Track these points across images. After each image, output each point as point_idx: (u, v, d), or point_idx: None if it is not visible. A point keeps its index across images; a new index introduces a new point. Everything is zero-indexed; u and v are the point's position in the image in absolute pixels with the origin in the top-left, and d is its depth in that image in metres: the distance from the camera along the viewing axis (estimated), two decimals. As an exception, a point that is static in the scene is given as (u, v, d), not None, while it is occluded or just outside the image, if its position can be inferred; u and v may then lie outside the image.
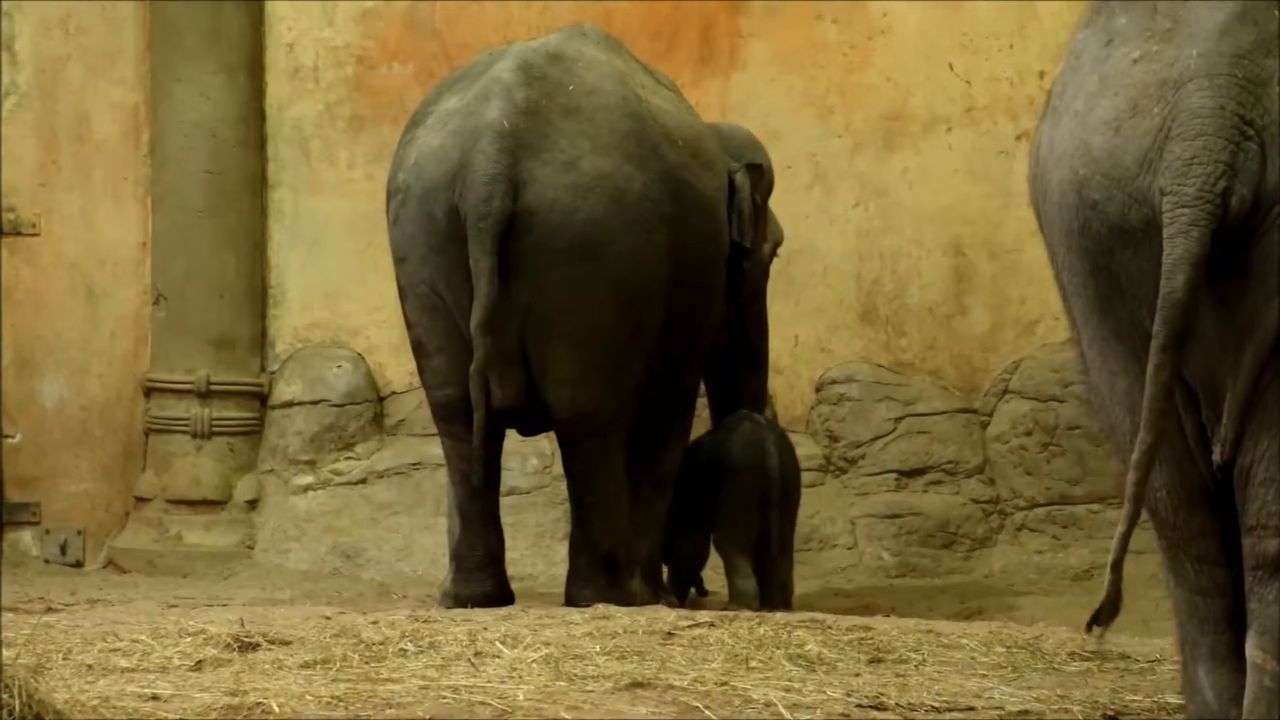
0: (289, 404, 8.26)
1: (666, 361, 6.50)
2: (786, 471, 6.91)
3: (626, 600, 6.15)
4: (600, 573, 6.32)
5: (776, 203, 7.25)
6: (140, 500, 8.26)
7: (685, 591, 7.00)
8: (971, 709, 4.21)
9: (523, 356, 6.10)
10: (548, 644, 4.89)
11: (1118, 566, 3.44)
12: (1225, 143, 3.28)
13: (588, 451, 6.32)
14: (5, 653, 3.90)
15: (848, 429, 8.04)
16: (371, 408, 8.27)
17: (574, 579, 6.40)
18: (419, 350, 6.32)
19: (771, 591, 6.81)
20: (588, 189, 6.05)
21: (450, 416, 6.24)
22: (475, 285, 5.90)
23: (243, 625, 5.13)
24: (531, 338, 6.09)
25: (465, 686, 4.27)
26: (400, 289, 6.33)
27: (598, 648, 4.87)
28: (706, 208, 6.54)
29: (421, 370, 6.38)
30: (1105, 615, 3.48)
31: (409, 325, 6.34)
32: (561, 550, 7.02)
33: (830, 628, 5.34)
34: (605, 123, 6.16)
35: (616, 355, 6.22)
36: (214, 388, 8.19)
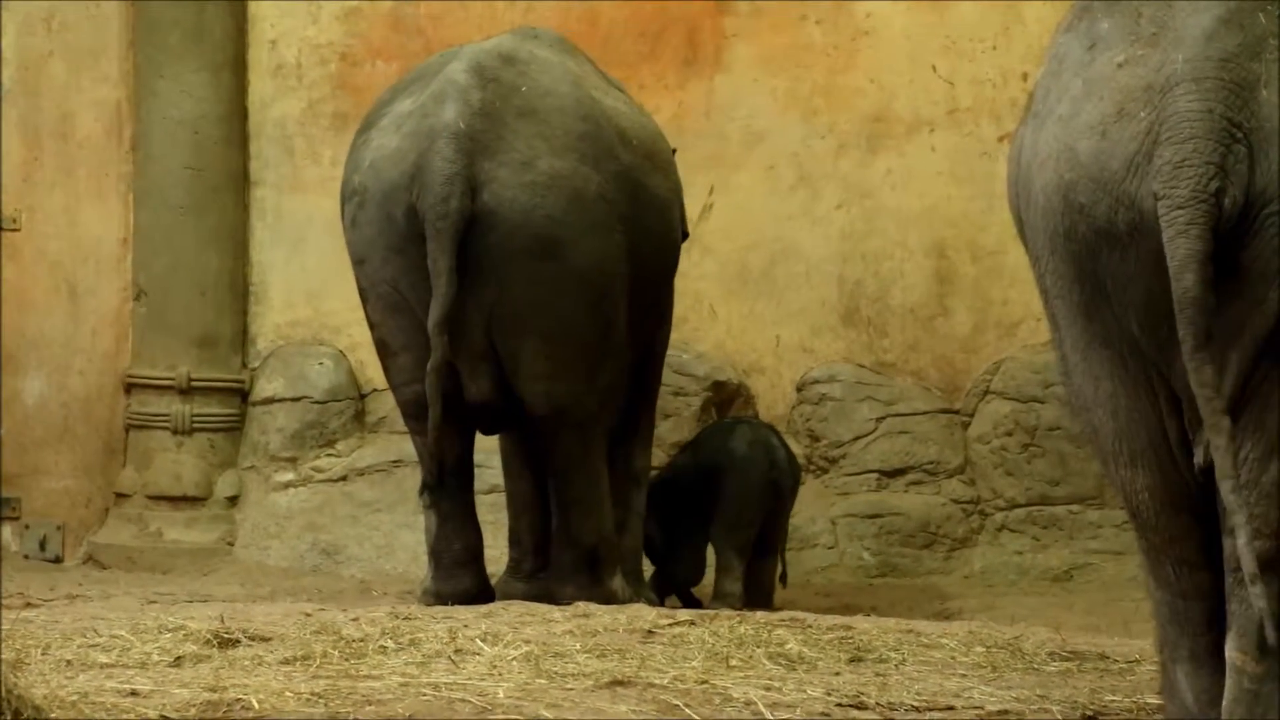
0: (270, 401, 8.26)
1: (632, 358, 6.55)
2: (793, 465, 6.99)
3: (607, 598, 6.16)
4: (582, 570, 6.34)
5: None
6: (120, 496, 8.25)
7: (668, 593, 7.02)
8: (951, 708, 4.21)
9: (492, 353, 6.14)
10: (528, 642, 4.89)
11: (1256, 580, 3.32)
12: (1215, 145, 3.28)
13: (566, 447, 6.33)
14: (-15, 648, 3.90)
15: (829, 429, 8.05)
16: (353, 405, 8.27)
17: (555, 576, 6.41)
18: (384, 350, 6.35)
19: (765, 589, 6.85)
20: (545, 188, 6.09)
21: (420, 414, 6.24)
22: (434, 285, 5.94)
23: (223, 621, 5.13)
24: (499, 335, 6.13)
25: (445, 684, 4.26)
26: (361, 290, 6.36)
27: (578, 646, 4.87)
28: (661, 208, 6.60)
29: (387, 370, 6.40)
30: (1274, 629, 3.38)
31: (372, 326, 6.37)
32: (541, 549, 7.01)
33: (811, 627, 5.34)
34: (560, 124, 6.20)
35: (588, 351, 6.26)
36: (195, 384, 8.19)
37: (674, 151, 6.98)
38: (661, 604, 6.81)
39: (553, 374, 6.19)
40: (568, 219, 6.11)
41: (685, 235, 6.98)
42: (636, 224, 6.36)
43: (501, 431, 6.69)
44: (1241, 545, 3.30)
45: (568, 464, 6.36)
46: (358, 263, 6.31)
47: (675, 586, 7.03)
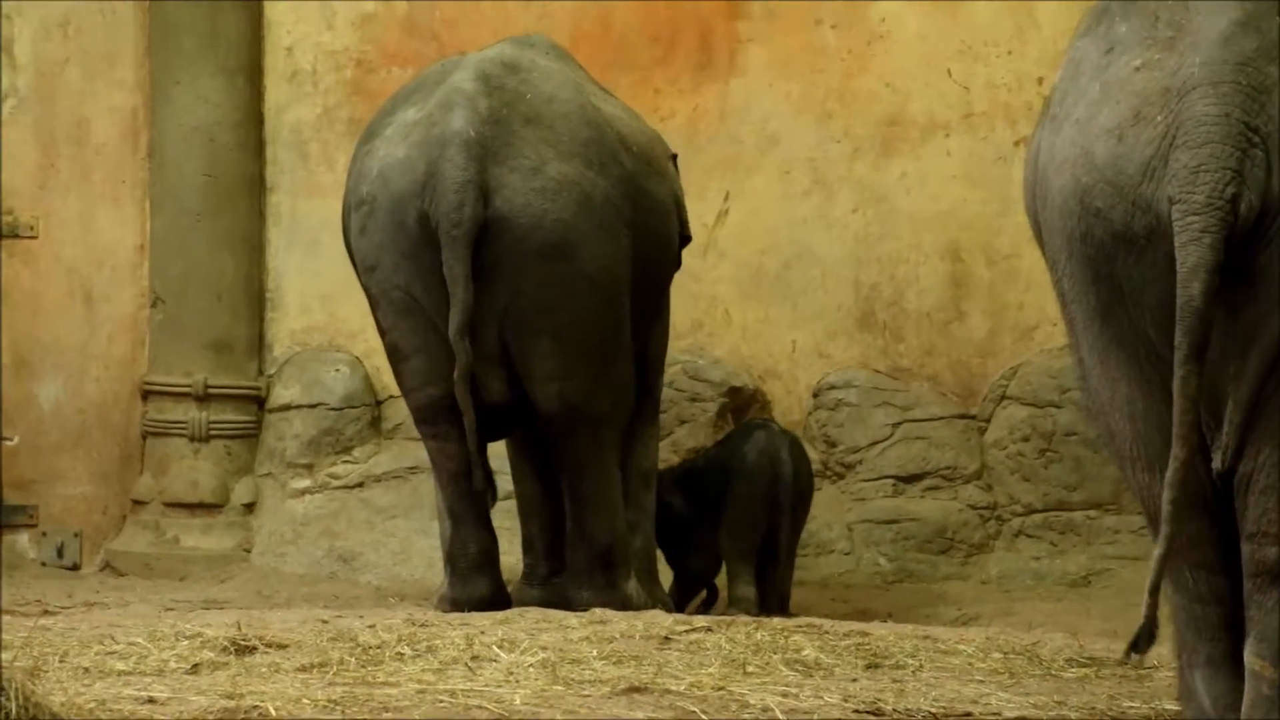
0: (286, 407, 8.26)
1: (636, 359, 6.60)
2: (800, 478, 6.96)
3: (623, 602, 6.19)
4: (597, 572, 6.37)
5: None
6: (137, 503, 8.25)
7: (688, 600, 7.02)
8: (969, 715, 4.21)
9: (505, 355, 6.20)
10: (545, 648, 4.89)
11: (1155, 591, 3.38)
12: (1232, 149, 3.28)
13: (579, 447, 6.38)
14: (3, 655, 3.90)
15: (845, 434, 8.04)
16: (369, 411, 8.26)
17: (570, 579, 6.43)
18: (395, 354, 6.39)
19: (770, 597, 6.83)
20: (554, 193, 6.17)
21: (432, 418, 6.31)
22: (451, 292, 6.02)
23: (239, 628, 5.13)
24: (512, 337, 6.19)
25: (462, 690, 4.27)
26: (371, 298, 6.41)
27: (595, 652, 4.87)
28: (661, 212, 6.68)
29: (399, 374, 6.44)
30: (1144, 642, 3.44)
31: (383, 332, 6.41)
32: (557, 554, 7.01)
33: (827, 633, 5.34)
34: (565, 130, 6.27)
35: (600, 350, 6.33)
36: (212, 391, 8.19)
37: (674, 156, 7.00)
38: (683, 605, 6.82)
39: (565, 374, 6.25)
40: (577, 223, 6.19)
41: (688, 238, 7.00)
42: (639, 227, 6.45)
43: (510, 435, 6.71)
44: (1156, 556, 3.33)
45: (581, 464, 6.41)
46: (367, 270, 6.36)
47: (691, 575, 7.02)
